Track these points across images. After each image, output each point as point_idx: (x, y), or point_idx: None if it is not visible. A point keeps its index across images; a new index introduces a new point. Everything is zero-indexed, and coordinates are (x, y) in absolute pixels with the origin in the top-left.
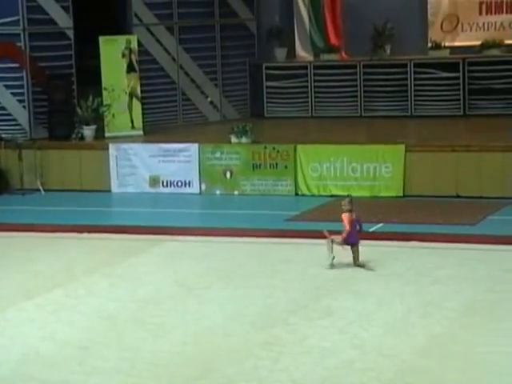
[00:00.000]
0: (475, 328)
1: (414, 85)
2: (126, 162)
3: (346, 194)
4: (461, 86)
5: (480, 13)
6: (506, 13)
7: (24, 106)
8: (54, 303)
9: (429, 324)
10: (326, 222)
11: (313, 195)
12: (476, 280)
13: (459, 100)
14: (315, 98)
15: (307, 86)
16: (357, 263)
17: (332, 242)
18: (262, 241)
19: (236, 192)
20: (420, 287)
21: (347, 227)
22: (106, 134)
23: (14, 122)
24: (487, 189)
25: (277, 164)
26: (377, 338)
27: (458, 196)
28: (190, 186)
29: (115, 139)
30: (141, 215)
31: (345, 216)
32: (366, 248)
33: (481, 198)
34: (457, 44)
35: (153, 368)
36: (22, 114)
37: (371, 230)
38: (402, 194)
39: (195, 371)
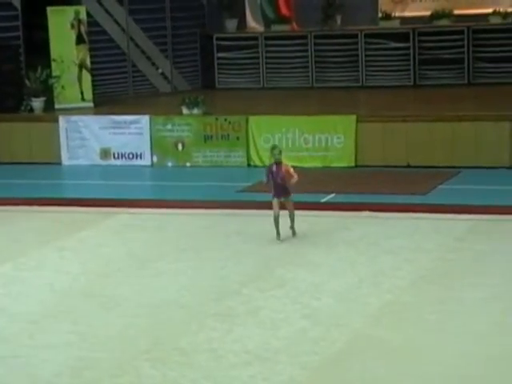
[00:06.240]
0: (426, 296)
1: (365, 55)
2: (77, 135)
3: (298, 165)
4: (411, 56)
5: None
6: None
7: None
8: (4, 276)
9: (380, 293)
10: None
11: (265, 166)
12: (427, 249)
13: (409, 70)
14: (266, 68)
15: (258, 57)
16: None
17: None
18: (214, 212)
19: (188, 164)
20: (371, 257)
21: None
22: (56, 106)
23: None
24: (438, 158)
25: (229, 135)
26: (328, 308)
27: (408, 166)
28: (141, 158)
29: (65, 111)
30: (92, 188)
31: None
32: (317, 218)
33: (431, 167)
34: (407, 14)
35: (105, 341)
36: None
37: (323, 200)
38: (353, 165)
39: (148, 343)
